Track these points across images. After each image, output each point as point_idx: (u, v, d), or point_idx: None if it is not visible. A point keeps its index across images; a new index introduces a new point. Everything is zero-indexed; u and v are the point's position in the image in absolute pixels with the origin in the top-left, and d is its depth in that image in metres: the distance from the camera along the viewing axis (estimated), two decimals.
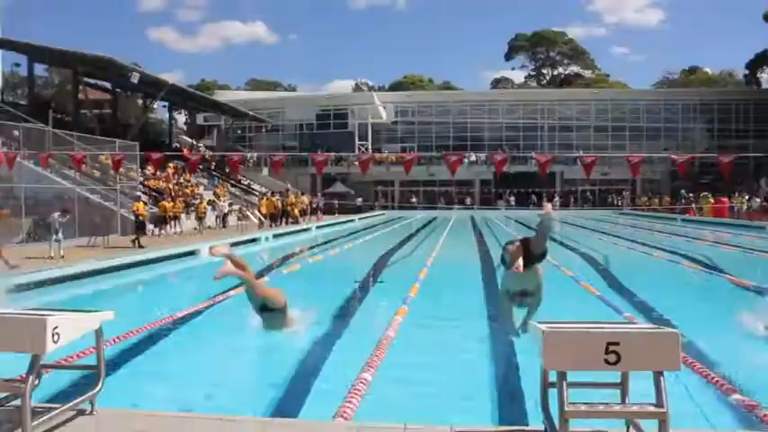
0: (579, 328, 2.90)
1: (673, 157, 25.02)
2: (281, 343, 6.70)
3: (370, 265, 14.23)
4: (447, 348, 6.65)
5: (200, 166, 45.07)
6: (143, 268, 13.69)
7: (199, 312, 8.70)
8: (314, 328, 7.61)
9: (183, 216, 26.61)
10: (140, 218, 20.63)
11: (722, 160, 20.17)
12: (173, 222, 25.03)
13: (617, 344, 2.73)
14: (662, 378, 2.82)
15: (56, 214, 16.07)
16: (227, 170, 48.52)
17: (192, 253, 16.06)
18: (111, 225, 24.13)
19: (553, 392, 3.00)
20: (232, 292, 9.95)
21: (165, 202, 25.03)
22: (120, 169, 29.17)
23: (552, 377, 3.02)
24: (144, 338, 7.09)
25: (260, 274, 12.57)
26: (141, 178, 30.54)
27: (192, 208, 32.86)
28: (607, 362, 2.75)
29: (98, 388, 3.66)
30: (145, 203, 23.10)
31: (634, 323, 3.79)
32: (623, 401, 3.13)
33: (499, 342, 6.78)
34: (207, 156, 47.67)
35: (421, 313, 8.26)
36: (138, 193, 27.06)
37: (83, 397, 3.64)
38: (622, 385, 3.17)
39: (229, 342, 7.29)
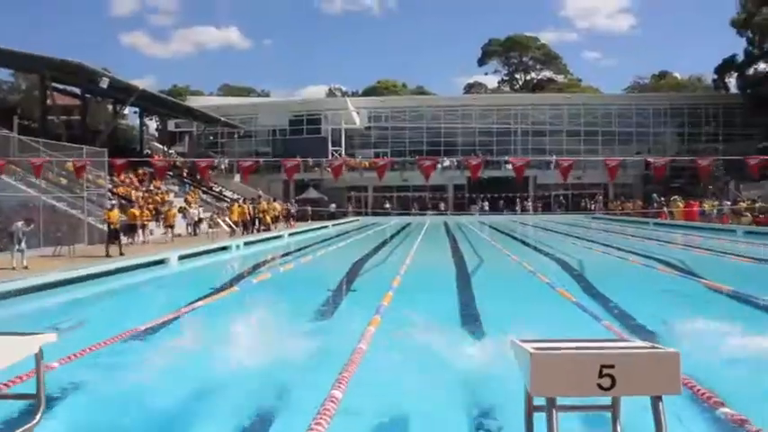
0: (569, 348, 2.59)
1: (649, 160, 25.22)
2: (247, 358, 6.35)
3: (342, 273, 13.88)
4: (422, 362, 6.32)
5: (171, 173, 44.43)
6: (109, 278, 13.13)
7: (163, 325, 8.20)
8: (283, 340, 7.28)
9: (152, 224, 26.05)
10: (112, 226, 20.05)
11: (700, 163, 20.27)
12: (141, 231, 24.39)
13: (611, 366, 2.44)
14: (660, 403, 2.54)
15: (19, 223, 15.50)
16: (199, 177, 47.90)
17: (160, 262, 15.58)
18: (78, 234, 23.51)
19: (539, 417, 2.71)
20: (200, 303, 9.59)
21: (133, 210, 24.36)
22: (88, 176, 28.59)
23: (539, 400, 2.72)
24: (101, 358, 6.61)
25: (230, 284, 12.20)
26: (110, 185, 29.86)
27: (162, 215, 32.25)
28: (601, 387, 2.45)
29: (35, 421, 3.26)
30: (120, 211, 22.46)
31: (628, 341, 3.44)
32: (615, 428, 2.84)
33: (478, 356, 6.49)
34: (178, 162, 46.98)
35: (395, 323, 7.93)
36: (113, 201, 26.46)
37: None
38: (613, 408, 2.87)
39: (193, 358, 6.84)
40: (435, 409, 5.09)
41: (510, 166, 55.22)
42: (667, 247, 20.64)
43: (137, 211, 24.33)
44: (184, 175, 45.84)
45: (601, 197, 56.41)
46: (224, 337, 7.54)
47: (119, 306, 10.89)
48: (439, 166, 56.43)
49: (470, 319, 8.60)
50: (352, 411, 4.78)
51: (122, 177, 32.90)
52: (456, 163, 52.83)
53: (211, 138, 62.66)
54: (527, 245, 23.40)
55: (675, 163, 56.05)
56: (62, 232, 22.33)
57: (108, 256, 17.52)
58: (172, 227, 26.18)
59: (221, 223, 27.50)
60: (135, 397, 5.49)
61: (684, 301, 10.24)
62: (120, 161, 20.08)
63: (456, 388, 5.54)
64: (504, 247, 20.07)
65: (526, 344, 2.70)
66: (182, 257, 16.43)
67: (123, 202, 28.58)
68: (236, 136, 62.10)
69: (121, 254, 17.86)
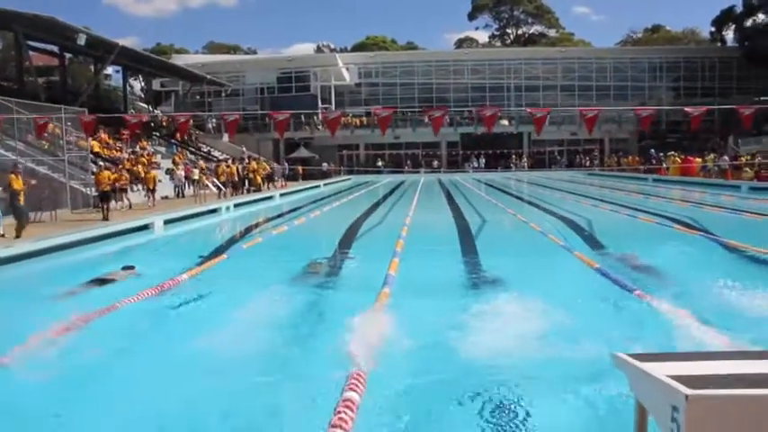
0: (733, 388, 1.71)
1: (637, 110, 24.25)
2: (236, 354, 5.49)
3: (339, 237, 13.01)
4: (442, 350, 5.48)
5: (157, 134, 43.20)
6: (87, 248, 12.12)
7: (142, 308, 7.28)
8: (277, 324, 6.44)
9: (133, 187, 24.83)
10: (101, 188, 19.02)
11: (691, 113, 19.37)
12: (120, 195, 22.94)
13: None
14: None
15: None
16: (185, 136, 46.64)
17: (144, 228, 14.62)
18: (60, 199, 22.51)
19: None
20: (184, 276, 8.70)
21: (104, 172, 22.44)
22: (69, 138, 27.44)
23: None
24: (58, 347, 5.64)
25: (219, 250, 11.34)
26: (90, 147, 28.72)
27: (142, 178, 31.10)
28: None
29: None
30: (111, 172, 21.22)
31: None
32: None
33: (513, 336, 5.64)
34: (159, 118, 45.71)
35: (406, 301, 7.05)
36: (101, 162, 25.34)
37: None
38: None
39: (175, 352, 5.89)
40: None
41: (506, 122, 54.55)
42: (678, 205, 19.84)
43: (109, 174, 22.40)
44: (166, 135, 44.46)
45: (597, 153, 55.70)
46: (214, 318, 6.72)
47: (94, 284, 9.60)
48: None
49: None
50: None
51: (104, 137, 31.68)
52: (448, 119, 51.76)
53: (198, 97, 61.07)
54: (534, 205, 22.42)
55: (670, 117, 55.61)
56: (43, 197, 21.40)
57: (105, 219, 16.72)
58: (152, 190, 24.58)
59: (209, 184, 26.51)
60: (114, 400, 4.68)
61: (714, 263, 9.46)
62: (87, 118, 18.91)
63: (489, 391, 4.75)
64: (516, 211, 19.22)
65: (646, 362, 1.86)
66: (167, 222, 15.51)
67: (107, 164, 27.49)
68: (223, 94, 60.61)
69: (105, 219, 16.97)
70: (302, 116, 52.92)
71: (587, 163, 54.04)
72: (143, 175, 25.87)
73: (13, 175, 14.59)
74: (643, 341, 5.28)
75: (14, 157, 22.32)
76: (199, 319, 6.81)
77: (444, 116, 19.01)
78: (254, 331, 6.03)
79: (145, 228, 14.55)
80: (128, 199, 23.18)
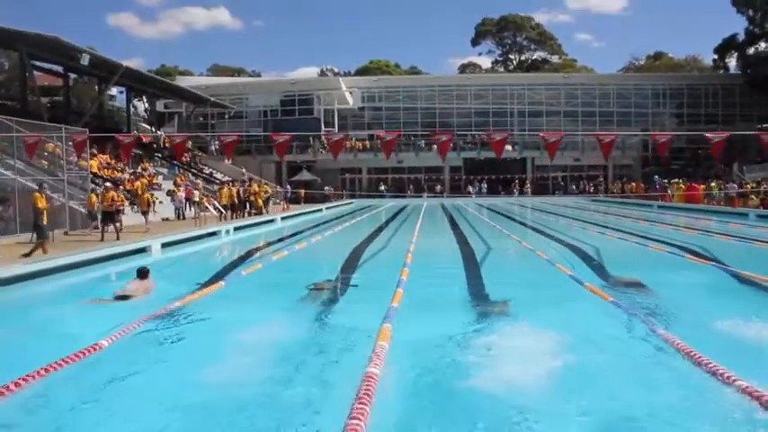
0: None
1: (655, 135, 23.87)
2: (230, 383, 5.13)
3: (341, 263, 12.65)
4: (446, 391, 5.11)
5: (159, 155, 43.06)
6: (77, 272, 11.67)
7: (128, 341, 6.86)
8: (274, 356, 6.06)
9: (128, 209, 24.35)
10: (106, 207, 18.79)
11: (712, 139, 18.87)
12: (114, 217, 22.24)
13: None
14: None
15: None
16: (188, 159, 46.55)
17: (140, 251, 14.25)
18: (59, 219, 22.19)
19: None
20: (177, 304, 8.29)
21: (110, 192, 22.03)
22: (70, 158, 27.19)
23: None
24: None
25: (216, 276, 10.97)
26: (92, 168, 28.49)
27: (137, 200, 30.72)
28: None
29: None
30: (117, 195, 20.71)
31: None
32: None
33: (522, 374, 5.27)
34: (161, 139, 45.58)
35: (411, 333, 6.66)
36: (107, 183, 24.98)
37: None
38: None
39: (165, 381, 5.58)
40: None
41: (509, 147, 54.31)
42: (687, 233, 19.47)
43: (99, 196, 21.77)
44: (166, 156, 44.27)
45: (602, 180, 55.48)
46: (201, 352, 6.35)
47: (82, 309, 8.66)
48: (435, 146, 55.28)
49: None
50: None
51: (105, 158, 31.45)
52: (452, 144, 51.54)
53: (201, 119, 61.13)
54: (540, 232, 22.05)
55: (674, 144, 55.46)
56: None
57: (117, 238, 16.42)
58: (146, 213, 23.41)
59: (209, 207, 26.16)
60: None
61: (731, 294, 9.08)
62: (80, 138, 18.67)
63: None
64: (522, 239, 18.87)
65: None
66: (165, 245, 15.15)
67: (108, 185, 27.21)
68: (226, 116, 60.63)
69: (117, 238, 16.59)
70: (306, 139, 52.86)
71: (591, 189, 53.76)
72: (140, 193, 25.42)
73: (38, 194, 15.00)
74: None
75: (14, 176, 22.05)
76: (185, 352, 6.42)
77: (450, 141, 18.59)
78: (244, 367, 5.66)
79: (142, 251, 14.20)
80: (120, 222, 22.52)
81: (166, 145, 45.19)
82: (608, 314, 7.59)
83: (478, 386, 4.93)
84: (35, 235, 14.68)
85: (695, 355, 5.32)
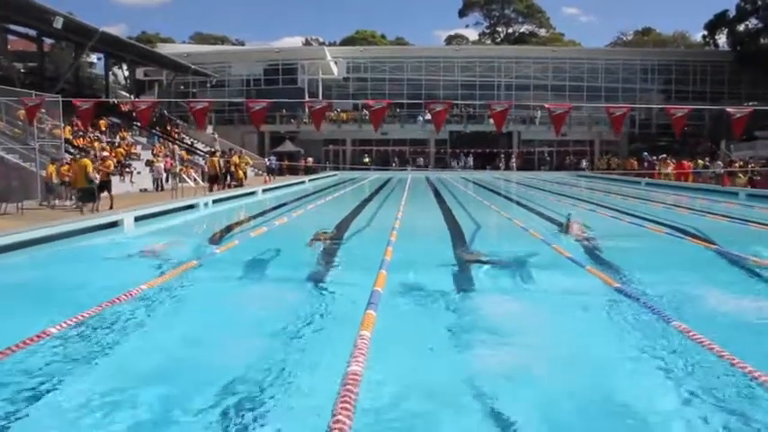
0: None
1: (609, 107, 23.13)
2: (211, 370, 4.56)
3: (324, 240, 12.02)
4: (440, 371, 4.59)
5: (137, 124, 41.97)
6: (41, 247, 10.87)
7: (99, 318, 6.28)
8: (255, 341, 5.49)
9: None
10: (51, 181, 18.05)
11: (674, 113, 18.21)
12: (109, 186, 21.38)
13: None
14: None
15: None
16: (168, 128, 45.54)
17: (111, 225, 13.46)
18: (30, 189, 21.43)
19: None
20: (155, 281, 7.62)
21: (51, 165, 20.49)
22: (44, 125, 26.28)
23: None
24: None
25: (190, 254, 10.31)
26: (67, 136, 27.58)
27: (128, 170, 30.08)
28: None
29: None
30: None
31: None
32: None
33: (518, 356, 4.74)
34: (114, 101, 44.43)
35: (397, 317, 6.15)
36: (105, 153, 24.19)
37: None
38: None
39: (140, 363, 5.00)
40: None
41: (492, 120, 53.71)
42: (675, 210, 19.05)
43: (67, 167, 20.55)
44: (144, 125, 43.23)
45: (588, 155, 55.35)
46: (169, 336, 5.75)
47: (45, 288, 8.17)
48: (420, 118, 54.62)
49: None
50: None
51: (80, 124, 30.38)
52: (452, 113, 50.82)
53: (182, 87, 59.82)
54: (530, 209, 21.53)
55: (661, 120, 55.20)
56: (11, 187, 20.32)
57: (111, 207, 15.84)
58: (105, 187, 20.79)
59: (186, 178, 25.37)
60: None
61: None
62: (32, 102, 17.84)
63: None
64: (519, 220, 18.31)
65: None
66: (139, 219, 14.40)
67: (81, 154, 26.34)
68: (208, 85, 59.39)
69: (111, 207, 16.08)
70: (293, 108, 51.92)
71: (586, 166, 53.50)
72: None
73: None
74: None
75: None
76: (151, 335, 5.81)
77: (447, 111, 17.72)
78: (217, 353, 5.10)
79: (113, 225, 13.43)
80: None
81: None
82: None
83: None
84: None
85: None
